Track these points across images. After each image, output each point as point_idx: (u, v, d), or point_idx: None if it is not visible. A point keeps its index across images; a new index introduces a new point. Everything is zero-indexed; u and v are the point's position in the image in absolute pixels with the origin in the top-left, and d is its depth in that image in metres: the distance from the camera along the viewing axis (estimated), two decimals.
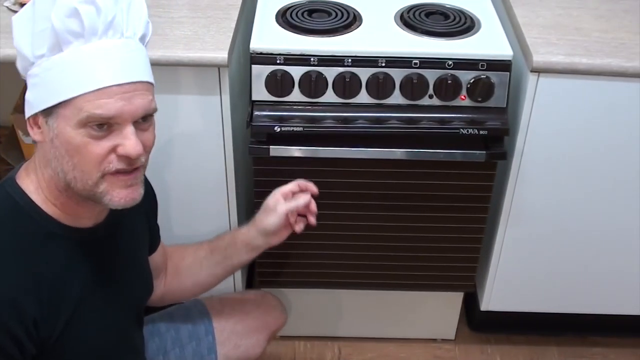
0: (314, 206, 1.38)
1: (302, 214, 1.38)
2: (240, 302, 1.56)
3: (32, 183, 1.06)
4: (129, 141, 1.00)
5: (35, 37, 0.98)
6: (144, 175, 1.30)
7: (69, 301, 1.07)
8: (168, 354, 1.43)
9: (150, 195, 1.31)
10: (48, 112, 0.99)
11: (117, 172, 1.02)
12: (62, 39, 0.97)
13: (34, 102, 1.01)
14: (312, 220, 1.39)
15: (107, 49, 0.99)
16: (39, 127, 1.02)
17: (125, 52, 1.00)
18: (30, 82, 1.01)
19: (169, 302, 1.48)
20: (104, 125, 0.98)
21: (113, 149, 1.00)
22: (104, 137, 0.99)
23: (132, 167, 1.03)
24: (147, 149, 1.05)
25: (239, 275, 1.79)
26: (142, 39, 1.05)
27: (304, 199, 1.36)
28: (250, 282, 1.98)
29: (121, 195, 1.04)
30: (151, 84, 1.04)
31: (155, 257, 1.37)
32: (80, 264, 1.09)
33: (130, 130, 1.00)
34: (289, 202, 1.36)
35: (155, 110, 1.04)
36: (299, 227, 1.38)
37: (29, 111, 1.02)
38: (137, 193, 1.06)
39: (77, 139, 0.98)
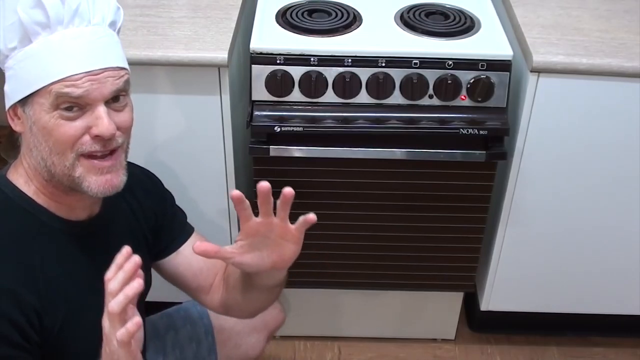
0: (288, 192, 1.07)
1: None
2: None
3: (21, 177, 1.08)
4: (100, 121, 1.00)
5: (7, 30, 1.00)
6: (151, 173, 1.30)
7: (64, 293, 1.08)
8: (168, 355, 1.43)
9: (153, 194, 1.30)
10: (24, 101, 1.02)
11: (92, 157, 1.03)
12: (30, 31, 0.99)
13: (11, 94, 1.03)
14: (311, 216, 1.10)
15: (74, 37, 1.00)
16: (19, 118, 1.05)
17: (94, 40, 1.02)
18: (7, 75, 1.03)
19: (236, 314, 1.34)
20: (75, 107, 1.00)
21: (86, 130, 1.01)
22: (76, 118, 1.01)
23: (108, 148, 1.03)
24: (123, 129, 1.05)
25: None
26: (113, 25, 1.07)
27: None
28: None
29: (99, 182, 1.04)
30: (123, 68, 1.05)
31: (186, 256, 1.30)
32: (74, 257, 1.10)
33: (101, 109, 1.01)
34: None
35: (126, 88, 1.05)
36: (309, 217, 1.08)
37: (7, 103, 1.05)
38: (118, 180, 1.06)
39: (51, 122, 1.00)
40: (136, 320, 0.91)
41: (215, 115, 1.55)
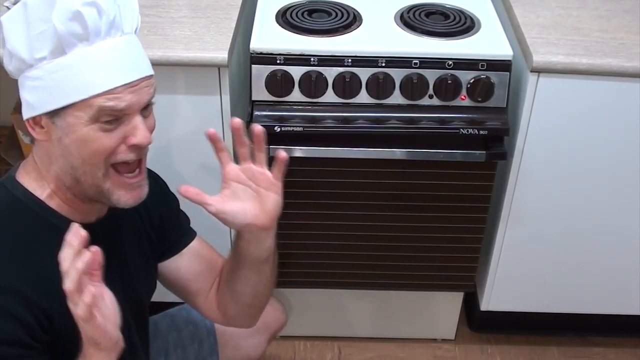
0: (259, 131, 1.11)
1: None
2: None
3: (33, 179, 1.07)
4: (139, 131, 1.02)
5: (33, 40, 0.98)
6: (157, 175, 1.30)
7: None
8: (170, 355, 1.43)
9: (159, 196, 1.29)
10: (54, 112, 0.99)
11: (121, 171, 1.04)
12: (65, 42, 0.97)
13: (37, 104, 1.00)
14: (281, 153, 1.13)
15: (112, 49, 1.00)
16: (42, 127, 1.02)
17: (129, 49, 1.02)
18: (28, 84, 1.01)
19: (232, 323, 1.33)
20: (115, 118, 1.00)
21: (122, 140, 1.02)
22: (114, 130, 1.01)
23: (140, 156, 1.05)
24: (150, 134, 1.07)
25: None
26: (136, 31, 1.07)
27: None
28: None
29: (129, 196, 1.07)
30: (152, 75, 1.06)
31: (187, 259, 1.30)
32: None
33: (139, 119, 1.02)
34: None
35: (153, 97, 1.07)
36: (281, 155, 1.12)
37: (29, 112, 1.02)
38: (144, 192, 1.09)
39: (90, 134, 0.99)
40: (90, 290, 0.91)
41: (215, 115, 1.55)
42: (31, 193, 1.06)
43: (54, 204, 1.07)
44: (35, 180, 1.07)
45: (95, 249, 0.93)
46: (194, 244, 1.32)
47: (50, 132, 1.02)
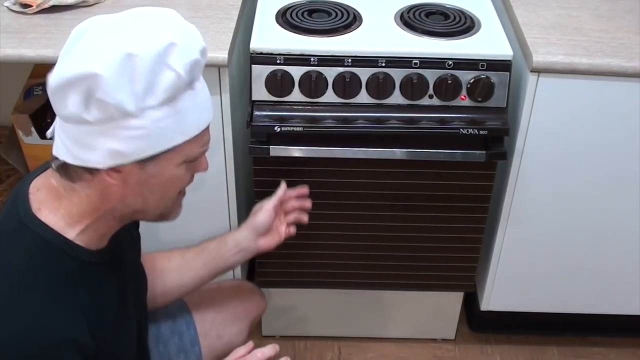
0: (308, 204, 1.46)
1: (294, 221, 1.46)
2: (218, 292, 1.55)
3: (61, 219, 1.02)
4: (205, 162, 1.09)
5: (142, 91, 0.93)
6: None
7: (109, 323, 1.08)
8: (151, 350, 1.42)
9: None
10: (149, 158, 0.98)
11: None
12: (180, 90, 0.96)
13: (131, 152, 0.96)
14: (305, 218, 1.46)
15: (199, 90, 1.01)
16: (118, 172, 0.98)
17: (206, 88, 1.05)
18: (123, 134, 0.94)
19: (151, 306, 1.37)
20: None
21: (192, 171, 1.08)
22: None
23: None
24: None
25: (238, 275, 1.79)
26: None
27: (282, 189, 1.43)
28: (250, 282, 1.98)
29: (179, 210, 1.13)
30: None
31: None
32: (109, 284, 1.09)
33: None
34: (274, 197, 1.43)
35: None
36: (290, 230, 1.45)
37: (116, 160, 0.96)
38: None
39: (180, 174, 1.03)
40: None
41: (215, 115, 1.55)
42: (57, 232, 1.01)
43: (80, 240, 1.03)
44: (63, 220, 1.02)
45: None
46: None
47: (128, 177, 0.98)
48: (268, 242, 1.43)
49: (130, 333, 1.17)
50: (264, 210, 1.42)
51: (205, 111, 1.03)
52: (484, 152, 1.55)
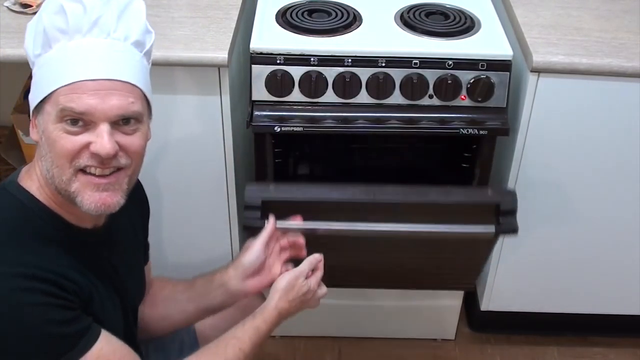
0: (303, 252, 1.31)
1: (291, 257, 1.32)
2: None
3: (33, 184, 1.06)
4: (100, 139, 0.98)
5: (35, 37, 1.01)
6: (139, 181, 1.29)
7: (94, 287, 1.08)
8: (149, 356, 1.40)
9: (145, 204, 1.31)
10: (38, 109, 1.01)
11: (90, 173, 1.01)
12: (51, 36, 0.99)
13: (30, 100, 1.03)
14: (303, 253, 1.31)
15: (89, 46, 1.00)
16: (35, 127, 1.04)
17: (109, 51, 1.00)
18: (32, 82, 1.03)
19: (143, 333, 1.34)
20: (79, 122, 0.98)
21: (86, 146, 0.99)
22: (78, 134, 0.99)
23: (107, 166, 1.01)
24: (130, 153, 1.03)
25: None
26: (138, 45, 1.04)
27: (271, 224, 1.28)
28: None
29: (93, 199, 1.02)
30: (135, 86, 1.02)
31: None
32: (84, 264, 1.09)
33: (103, 128, 0.99)
34: (263, 234, 1.29)
35: (137, 114, 1.02)
36: (287, 269, 1.29)
37: (31, 111, 1.04)
38: (113, 200, 1.04)
39: (54, 134, 0.99)
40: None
41: (215, 115, 1.55)
42: (34, 197, 1.05)
43: (53, 208, 1.06)
44: (35, 184, 1.06)
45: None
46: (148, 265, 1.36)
47: (38, 131, 1.03)
48: (258, 284, 1.29)
49: (109, 324, 1.13)
50: (252, 249, 1.28)
51: (75, 66, 0.98)
52: (493, 225, 1.39)
